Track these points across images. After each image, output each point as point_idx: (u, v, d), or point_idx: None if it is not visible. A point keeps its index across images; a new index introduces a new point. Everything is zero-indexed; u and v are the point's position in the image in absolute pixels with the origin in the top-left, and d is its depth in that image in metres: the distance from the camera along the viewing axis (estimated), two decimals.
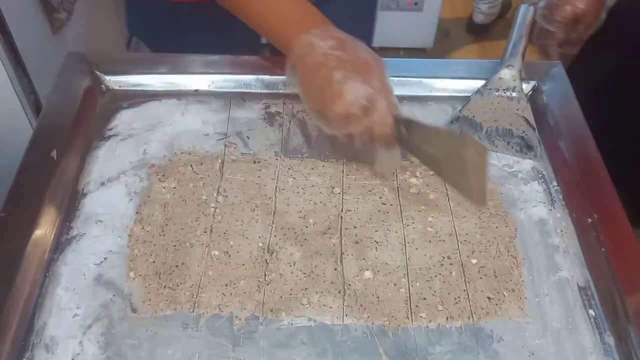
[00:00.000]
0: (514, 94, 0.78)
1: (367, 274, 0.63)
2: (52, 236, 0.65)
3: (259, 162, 0.73)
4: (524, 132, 0.76)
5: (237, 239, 0.65)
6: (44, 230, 0.65)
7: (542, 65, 0.84)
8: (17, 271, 0.61)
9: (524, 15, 0.83)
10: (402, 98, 0.81)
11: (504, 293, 0.62)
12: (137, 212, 0.67)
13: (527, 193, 0.71)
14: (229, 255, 0.64)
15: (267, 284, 0.62)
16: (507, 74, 0.78)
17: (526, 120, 0.76)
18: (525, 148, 0.75)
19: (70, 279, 0.62)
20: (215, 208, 0.68)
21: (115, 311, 0.59)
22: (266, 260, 0.64)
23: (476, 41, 2.35)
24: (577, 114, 0.78)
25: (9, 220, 0.65)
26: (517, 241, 0.67)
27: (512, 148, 0.75)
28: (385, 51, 1.16)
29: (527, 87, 0.82)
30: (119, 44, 1.93)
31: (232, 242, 0.65)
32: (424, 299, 0.61)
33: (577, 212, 0.69)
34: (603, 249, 0.64)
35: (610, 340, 0.59)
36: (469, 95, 0.80)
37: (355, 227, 0.67)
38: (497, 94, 0.78)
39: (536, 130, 0.76)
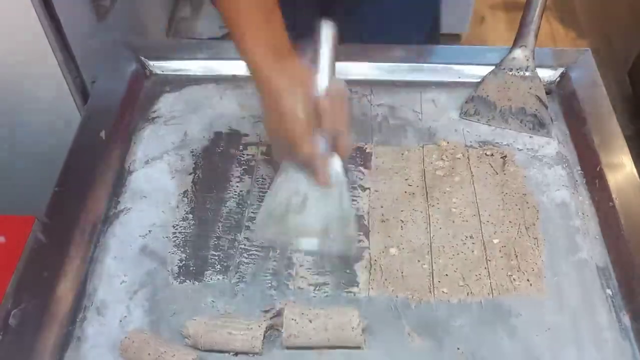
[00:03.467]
0: (527, 73, 0.79)
1: (393, 250, 0.67)
2: (102, 210, 0.70)
3: None
4: (536, 110, 0.77)
5: None
6: (94, 204, 0.70)
7: (570, 52, 0.86)
8: (70, 241, 0.66)
9: None
10: (431, 84, 0.84)
11: (524, 271, 0.65)
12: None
13: (550, 177, 0.73)
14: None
15: (299, 266, 0.66)
16: (519, 54, 0.80)
17: (539, 98, 0.78)
18: (537, 125, 0.77)
19: (118, 249, 0.67)
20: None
21: (159, 279, 0.64)
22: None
23: (511, 29, 2.33)
24: (604, 101, 0.80)
25: (62, 195, 0.71)
26: (538, 222, 0.69)
27: (525, 126, 0.77)
28: None
29: (555, 73, 0.84)
30: (159, 30, 1.99)
31: None
32: (446, 275, 0.65)
33: (598, 196, 0.71)
34: (622, 232, 0.66)
35: (625, 319, 0.62)
36: None
37: (382, 206, 0.71)
38: (510, 73, 0.79)
39: (548, 108, 0.77)
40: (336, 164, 0.64)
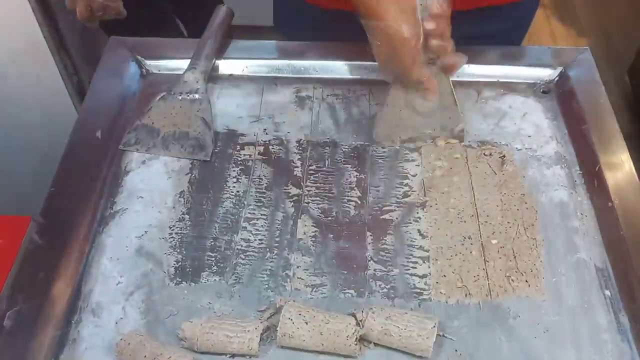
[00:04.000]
0: (196, 96, 0.78)
1: (390, 251, 0.66)
2: (98, 210, 0.70)
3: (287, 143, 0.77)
4: (199, 133, 0.75)
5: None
6: (90, 204, 0.70)
7: (569, 51, 0.85)
8: (65, 242, 0.66)
9: (219, 15, 0.85)
10: None
11: (522, 272, 0.65)
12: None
13: (549, 177, 0.73)
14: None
15: (296, 267, 0.66)
16: (190, 77, 0.79)
17: (204, 120, 0.76)
18: (197, 149, 0.74)
19: (114, 250, 0.67)
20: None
21: (155, 280, 0.64)
22: (290, 240, 0.68)
23: None
24: (603, 100, 0.79)
25: (58, 196, 0.70)
26: (537, 223, 0.69)
27: (185, 150, 0.75)
28: None
29: (554, 72, 0.84)
30: None
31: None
32: (444, 276, 0.64)
33: (597, 196, 0.70)
34: (621, 232, 0.66)
35: (624, 319, 0.61)
36: (495, 80, 0.82)
37: (379, 205, 0.70)
38: (180, 97, 0.78)
39: (212, 130, 0.76)
40: (444, 82, 0.72)
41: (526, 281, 0.64)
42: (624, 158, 0.72)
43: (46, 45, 1.16)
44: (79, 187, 0.71)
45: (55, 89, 1.23)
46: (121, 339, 0.58)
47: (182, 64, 0.85)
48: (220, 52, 0.85)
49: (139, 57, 0.86)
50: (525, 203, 0.70)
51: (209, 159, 0.75)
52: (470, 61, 0.84)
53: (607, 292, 0.63)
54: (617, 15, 2.22)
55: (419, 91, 0.72)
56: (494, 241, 0.67)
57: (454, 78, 0.82)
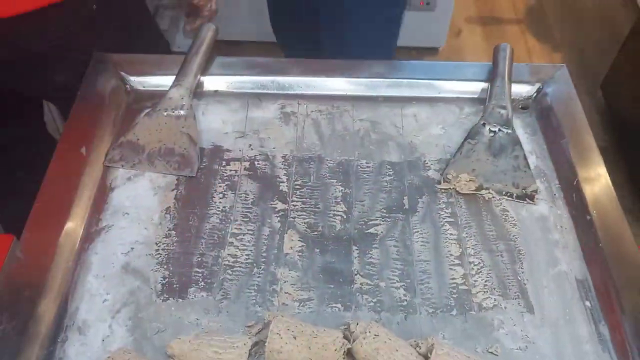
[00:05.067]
0: (182, 112, 0.78)
1: (376, 265, 0.67)
2: (83, 227, 0.70)
3: (273, 159, 0.77)
4: (185, 149, 0.76)
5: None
6: (75, 221, 0.70)
7: (546, 67, 0.88)
8: (51, 260, 0.66)
9: (204, 33, 0.87)
10: (412, 99, 0.85)
11: (505, 285, 0.66)
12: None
13: None
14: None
15: (283, 282, 0.66)
16: (175, 93, 0.79)
17: (189, 137, 0.77)
18: (183, 165, 0.75)
19: (100, 267, 0.66)
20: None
21: (142, 297, 0.64)
22: (277, 255, 0.68)
23: (487, 41, 2.38)
24: (579, 115, 0.82)
25: (42, 212, 0.70)
26: (518, 237, 0.70)
27: (171, 166, 0.75)
28: (398, 51, 1.21)
29: (532, 89, 0.86)
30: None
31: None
32: (430, 288, 0.65)
33: (576, 210, 0.72)
34: (600, 245, 0.68)
35: (605, 330, 0.63)
36: (477, 96, 0.84)
37: (364, 220, 0.71)
38: (165, 114, 0.78)
39: (197, 146, 0.77)
40: (517, 147, 0.75)
41: (510, 294, 0.65)
42: (601, 172, 0.74)
43: None
44: (64, 204, 0.70)
45: None
46: (108, 357, 0.58)
47: (167, 80, 0.85)
48: (205, 68, 0.86)
49: (123, 74, 0.86)
50: (506, 218, 0.72)
51: (194, 175, 0.75)
52: (452, 77, 0.87)
53: (588, 304, 0.65)
54: (590, 30, 2.28)
55: None
56: (476, 257, 0.68)
57: (436, 94, 0.84)
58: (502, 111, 0.78)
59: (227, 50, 0.92)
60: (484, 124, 0.78)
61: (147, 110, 0.80)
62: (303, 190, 0.75)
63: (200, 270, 0.66)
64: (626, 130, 1.82)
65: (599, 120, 1.94)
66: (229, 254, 0.68)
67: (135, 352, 0.59)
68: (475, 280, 0.66)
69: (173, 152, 0.76)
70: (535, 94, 0.85)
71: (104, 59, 0.87)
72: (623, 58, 1.81)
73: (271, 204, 0.73)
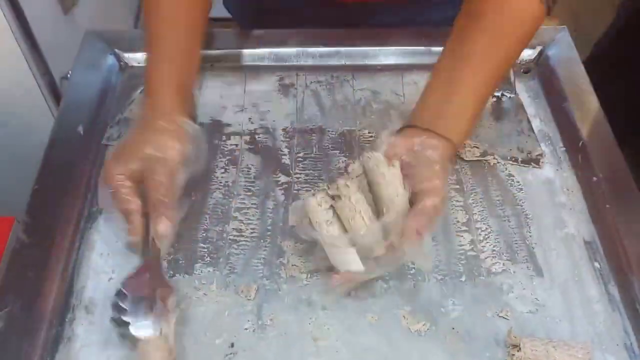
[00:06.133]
0: None
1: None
2: (84, 206, 0.69)
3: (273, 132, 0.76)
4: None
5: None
6: (76, 201, 0.69)
7: (547, 30, 0.86)
8: (53, 240, 0.65)
9: None
10: (412, 67, 0.84)
11: (513, 250, 0.65)
12: None
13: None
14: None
15: (290, 254, 0.65)
16: None
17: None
18: None
19: (104, 245, 0.65)
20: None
21: None
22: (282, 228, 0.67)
23: None
24: (582, 77, 0.81)
25: (43, 193, 0.69)
26: (525, 201, 0.70)
27: None
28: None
29: (533, 52, 0.84)
30: (127, 22, 1.95)
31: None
32: (438, 255, 0.65)
33: (582, 172, 0.72)
34: (607, 206, 0.67)
35: (614, 290, 0.63)
36: None
37: None
38: None
39: (196, 121, 0.72)
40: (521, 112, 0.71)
41: (518, 257, 0.65)
42: (606, 133, 0.74)
43: (15, 41, 1.13)
44: (64, 184, 0.69)
45: (27, 86, 1.20)
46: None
47: None
48: None
49: (117, 50, 0.84)
50: (512, 182, 0.71)
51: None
52: None
53: (597, 265, 0.65)
54: None
55: None
56: (484, 222, 0.68)
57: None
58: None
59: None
60: None
61: (142, 88, 0.79)
62: (305, 162, 0.74)
63: (205, 246, 0.66)
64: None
65: (593, 85, 1.93)
66: (233, 229, 0.67)
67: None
68: (483, 246, 0.66)
69: None
70: (537, 57, 0.84)
71: (97, 35, 0.86)
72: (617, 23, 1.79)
73: (274, 177, 0.72)
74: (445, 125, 0.62)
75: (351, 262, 0.57)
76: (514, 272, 0.64)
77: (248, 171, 0.73)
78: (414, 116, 0.65)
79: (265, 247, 0.66)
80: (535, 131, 0.76)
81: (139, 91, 0.78)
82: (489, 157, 0.73)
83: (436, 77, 0.66)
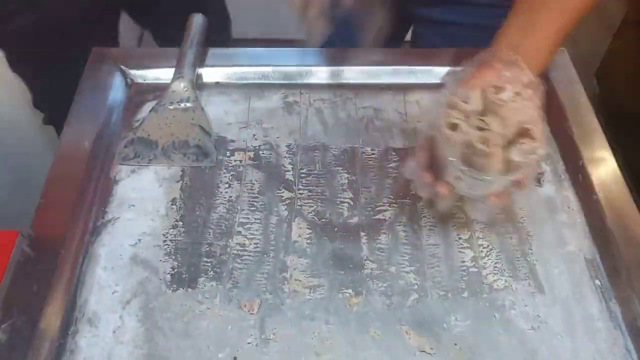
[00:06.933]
0: (188, 104, 0.78)
1: (385, 250, 0.67)
2: (89, 220, 0.69)
3: (277, 148, 0.77)
4: (199, 140, 0.76)
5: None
6: (82, 215, 0.69)
7: None
8: (58, 254, 0.65)
9: (195, 23, 0.85)
10: (413, 86, 0.85)
11: (515, 266, 0.66)
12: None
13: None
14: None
15: (293, 269, 0.66)
16: (177, 86, 0.79)
17: (202, 128, 0.77)
18: (201, 156, 0.75)
19: (108, 259, 0.66)
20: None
21: (152, 288, 0.64)
22: (286, 243, 0.68)
23: None
24: (582, 97, 0.82)
25: (48, 207, 0.69)
26: (526, 219, 0.70)
27: (189, 158, 0.75)
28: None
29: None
30: (130, 39, 1.96)
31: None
32: (440, 271, 0.65)
33: (583, 190, 0.72)
34: (607, 224, 0.68)
35: (615, 307, 0.63)
36: None
37: (372, 206, 0.71)
38: (172, 107, 0.78)
39: (212, 136, 0.77)
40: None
41: (520, 275, 0.65)
42: (606, 152, 0.75)
43: None
44: (69, 199, 0.70)
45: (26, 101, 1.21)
46: None
47: (166, 72, 0.85)
48: (203, 59, 0.85)
49: (123, 67, 0.86)
50: (513, 200, 0.72)
51: (214, 164, 0.75)
52: (454, 64, 0.86)
53: (597, 282, 0.65)
54: (583, 20, 2.30)
55: None
56: (485, 240, 0.68)
57: (437, 81, 0.84)
58: None
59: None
60: None
61: (152, 106, 0.80)
62: (309, 178, 0.74)
63: (209, 260, 0.66)
64: (620, 118, 1.83)
65: (593, 108, 1.95)
66: (237, 243, 0.68)
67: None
68: (484, 263, 0.66)
69: (188, 144, 0.76)
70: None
71: (103, 53, 0.87)
72: (616, 47, 1.82)
73: (277, 193, 0.73)
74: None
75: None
76: (515, 288, 0.64)
77: (252, 187, 0.73)
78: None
79: (269, 261, 0.66)
80: None
81: (149, 110, 0.79)
82: None
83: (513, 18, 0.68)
